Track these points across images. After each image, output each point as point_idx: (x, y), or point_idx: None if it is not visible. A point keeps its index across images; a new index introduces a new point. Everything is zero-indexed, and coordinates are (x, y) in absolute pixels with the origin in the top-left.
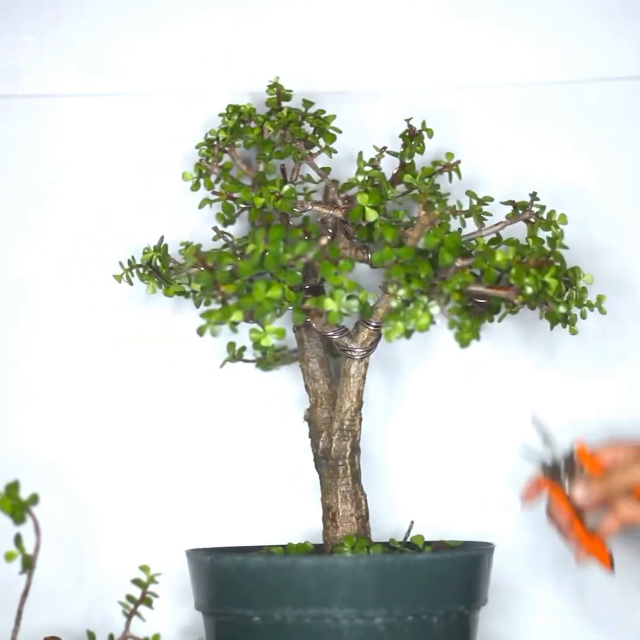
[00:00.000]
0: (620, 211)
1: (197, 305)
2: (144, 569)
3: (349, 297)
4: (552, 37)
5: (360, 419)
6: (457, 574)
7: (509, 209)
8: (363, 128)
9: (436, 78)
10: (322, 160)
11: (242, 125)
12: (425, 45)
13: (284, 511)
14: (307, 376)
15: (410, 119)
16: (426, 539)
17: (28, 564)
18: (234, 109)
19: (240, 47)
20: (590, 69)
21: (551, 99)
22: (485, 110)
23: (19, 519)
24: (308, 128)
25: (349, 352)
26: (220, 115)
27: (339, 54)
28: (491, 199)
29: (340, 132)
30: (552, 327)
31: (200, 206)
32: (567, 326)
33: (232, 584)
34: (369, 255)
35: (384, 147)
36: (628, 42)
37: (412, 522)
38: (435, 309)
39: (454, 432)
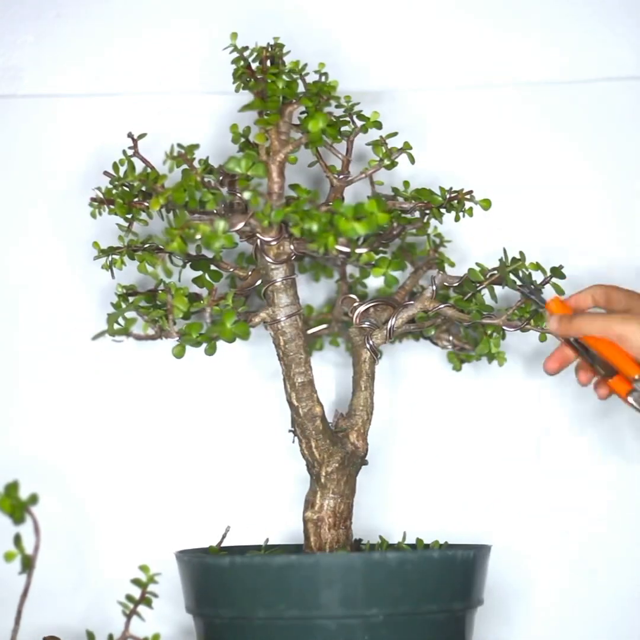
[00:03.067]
0: (620, 210)
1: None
2: (144, 568)
3: None
4: (553, 38)
5: None
6: (453, 573)
7: None
8: None
9: (436, 78)
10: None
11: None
12: (426, 45)
13: (280, 513)
14: None
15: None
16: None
17: (27, 564)
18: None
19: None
20: (590, 69)
21: (552, 99)
22: (485, 110)
23: (18, 519)
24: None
25: (377, 354)
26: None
27: (338, 54)
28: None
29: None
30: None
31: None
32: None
33: (220, 584)
34: None
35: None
36: (629, 42)
37: (228, 528)
38: None
39: (452, 434)
